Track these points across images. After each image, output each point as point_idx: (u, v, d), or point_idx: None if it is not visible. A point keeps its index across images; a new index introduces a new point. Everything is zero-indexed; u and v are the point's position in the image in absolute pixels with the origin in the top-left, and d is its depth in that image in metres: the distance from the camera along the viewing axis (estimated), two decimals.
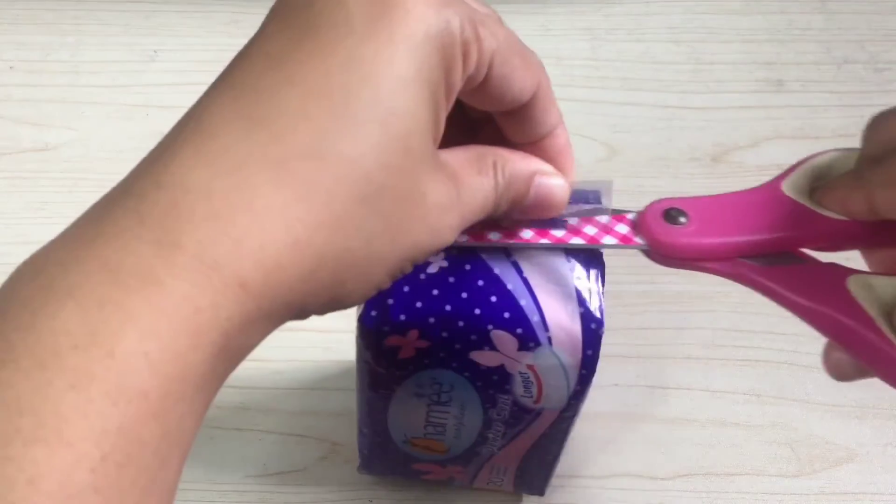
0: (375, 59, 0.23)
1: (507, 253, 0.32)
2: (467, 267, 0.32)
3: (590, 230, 0.32)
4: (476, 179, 0.27)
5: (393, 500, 0.44)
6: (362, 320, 0.32)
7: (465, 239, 0.30)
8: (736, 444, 0.46)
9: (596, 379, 0.47)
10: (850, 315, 0.28)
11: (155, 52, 0.59)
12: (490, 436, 0.37)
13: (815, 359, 0.49)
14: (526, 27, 0.62)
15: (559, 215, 0.30)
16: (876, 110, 0.56)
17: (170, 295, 0.20)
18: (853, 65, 0.60)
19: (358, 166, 0.22)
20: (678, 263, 0.31)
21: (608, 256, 0.33)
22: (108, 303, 0.20)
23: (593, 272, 0.32)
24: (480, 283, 0.32)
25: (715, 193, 0.32)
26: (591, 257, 0.32)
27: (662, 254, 0.31)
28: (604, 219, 0.32)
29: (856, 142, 0.62)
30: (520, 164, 0.29)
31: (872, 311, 0.28)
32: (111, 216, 0.22)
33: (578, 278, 0.32)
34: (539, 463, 0.39)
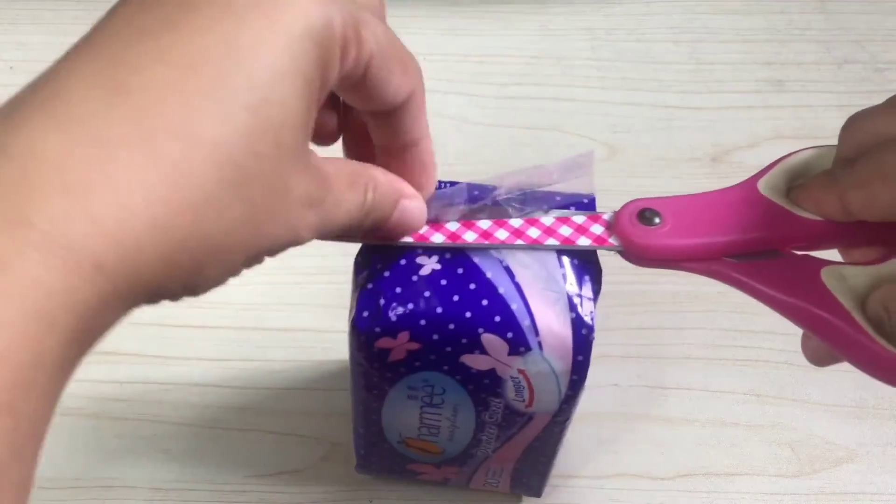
0: (254, 46, 0.22)
1: (500, 257, 0.32)
2: (460, 270, 0.32)
3: (565, 231, 0.32)
4: (346, 192, 0.27)
5: (393, 500, 0.44)
6: (354, 321, 0.32)
7: (410, 240, 0.31)
8: (736, 444, 0.46)
9: (596, 379, 0.47)
10: (825, 307, 0.28)
11: None
12: (484, 438, 0.37)
13: None
14: (526, 27, 0.62)
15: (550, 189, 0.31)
16: None
17: (18, 278, 0.19)
18: (853, 65, 0.60)
19: (226, 151, 0.22)
20: (653, 264, 0.31)
21: (606, 256, 0.33)
22: None
23: (586, 277, 0.32)
24: (472, 286, 0.32)
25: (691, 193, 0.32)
26: (585, 262, 0.32)
27: (636, 255, 0.31)
28: (579, 219, 0.32)
29: None
30: (389, 188, 0.29)
31: (846, 302, 0.28)
32: None
33: (570, 284, 0.32)
34: (534, 465, 0.39)
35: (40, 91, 0.21)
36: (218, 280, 0.24)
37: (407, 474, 0.41)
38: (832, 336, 0.28)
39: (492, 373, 0.33)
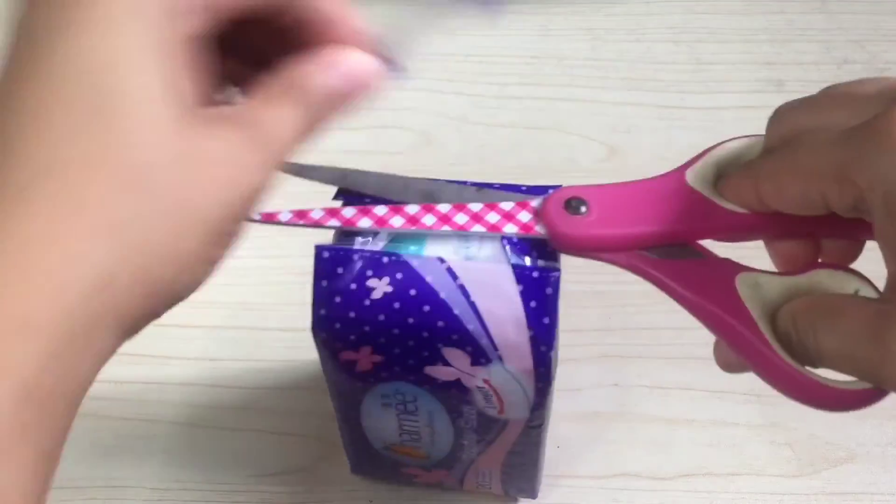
0: (89, 50, 0.22)
1: (454, 275, 0.31)
2: (412, 292, 0.31)
3: (492, 217, 0.31)
4: (274, 109, 0.25)
5: (393, 500, 0.44)
6: (314, 337, 0.32)
7: (258, 218, 0.31)
8: (736, 445, 0.46)
9: (596, 379, 0.47)
10: (734, 313, 0.28)
11: None
12: (465, 443, 0.37)
13: None
14: (526, 27, 0.62)
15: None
16: None
17: None
18: (853, 65, 0.60)
19: (114, 167, 0.22)
20: (578, 253, 0.31)
21: None
22: None
23: (547, 290, 0.31)
24: (426, 308, 0.31)
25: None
26: (543, 273, 0.31)
27: (561, 243, 0.31)
28: (507, 206, 0.31)
29: None
30: (306, 64, 0.26)
31: (755, 311, 0.28)
32: None
33: (527, 299, 0.31)
34: (520, 468, 0.39)
35: None
36: (198, 279, 0.24)
37: (401, 478, 0.41)
38: (737, 344, 0.28)
39: (458, 383, 0.33)
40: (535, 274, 0.31)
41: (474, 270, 0.31)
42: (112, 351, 0.22)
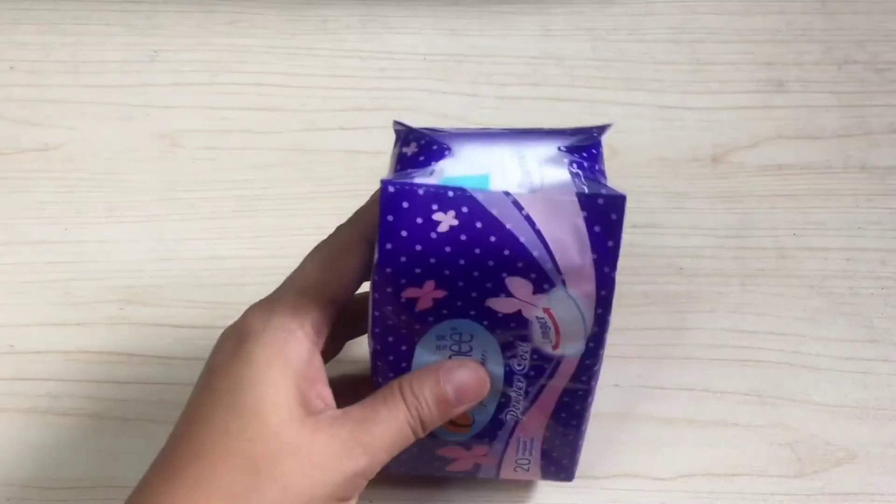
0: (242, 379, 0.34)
1: (519, 207, 0.32)
2: (478, 224, 0.32)
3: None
4: (384, 412, 0.34)
5: (393, 501, 0.44)
6: (378, 274, 0.32)
7: None
8: (736, 445, 0.46)
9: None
10: None
11: (155, 52, 0.59)
12: (512, 395, 0.37)
13: (815, 359, 0.49)
14: (526, 27, 0.62)
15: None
16: (876, 110, 0.57)
17: None
18: (853, 65, 0.60)
19: (241, 457, 0.32)
20: None
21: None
22: None
23: (612, 215, 0.32)
24: (493, 238, 0.32)
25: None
26: (608, 199, 0.32)
27: None
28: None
29: (856, 142, 0.62)
30: (422, 373, 0.35)
31: None
32: None
33: (591, 224, 0.32)
34: (564, 436, 0.39)
35: None
36: None
37: (437, 463, 0.40)
38: None
39: (518, 315, 0.33)
40: (601, 201, 0.32)
41: (540, 201, 0.32)
42: None
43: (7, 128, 0.56)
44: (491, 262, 0.32)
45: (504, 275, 0.32)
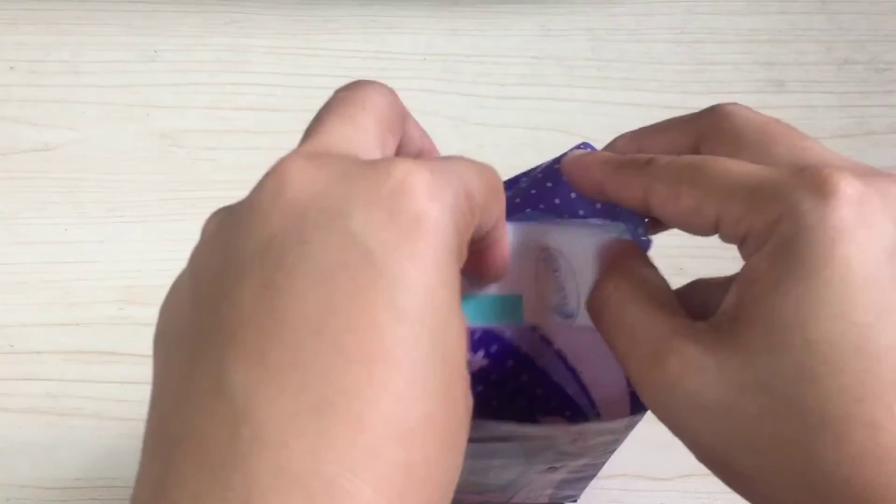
0: (414, 293, 0.20)
1: (548, 341, 0.30)
2: (509, 363, 0.30)
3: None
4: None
5: None
6: None
7: None
8: None
9: None
10: None
11: (155, 52, 0.59)
12: (531, 472, 0.36)
13: None
14: (526, 27, 0.62)
15: None
16: (876, 110, 0.57)
17: None
18: (853, 65, 0.60)
19: (429, 414, 0.20)
20: None
21: None
22: None
23: None
24: (524, 377, 0.30)
25: None
26: None
27: None
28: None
29: (857, 142, 0.61)
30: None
31: None
32: None
33: None
34: (577, 482, 0.39)
35: (238, 437, 0.19)
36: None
37: None
38: None
39: (547, 437, 0.32)
40: None
41: (567, 333, 0.30)
42: None
43: (7, 128, 0.56)
44: (524, 403, 0.30)
45: (538, 414, 0.30)
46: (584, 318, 0.30)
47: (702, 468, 0.41)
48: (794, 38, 0.62)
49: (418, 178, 0.21)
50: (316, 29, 0.61)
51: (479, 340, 0.29)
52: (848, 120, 0.57)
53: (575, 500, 0.42)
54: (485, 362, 0.29)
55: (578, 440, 0.32)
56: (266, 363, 0.19)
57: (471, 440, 0.31)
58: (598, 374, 0.30)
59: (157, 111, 0.57)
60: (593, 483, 0.44)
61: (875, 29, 0.62)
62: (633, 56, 0.61)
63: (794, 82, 0.59)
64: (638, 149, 0.30)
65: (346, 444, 0.19)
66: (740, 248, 0.25)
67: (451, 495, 0.22)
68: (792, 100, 0.59)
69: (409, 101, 0.62)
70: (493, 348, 0.30)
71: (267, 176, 0.22)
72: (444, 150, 0.62)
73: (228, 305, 0.21)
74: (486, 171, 0.25)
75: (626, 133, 0.30)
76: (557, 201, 0.32)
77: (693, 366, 0.23)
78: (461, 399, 0.22)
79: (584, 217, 0.32)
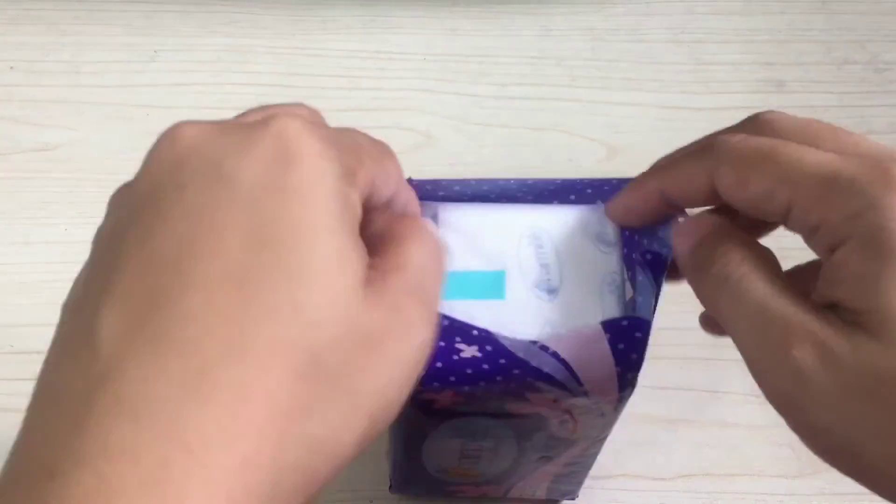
0: (272, 221, 0.21)
1: (546, 349, 0.30)
2: (502, 361, 0.30)
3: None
4: (413, 246, 0.24)
5: (393, 501, 0.44)
6: None
7: None
8: (736, 445, 0.46)
9: None
10: None
11: (155, 52, 0.59)
12: (524, 461, 0.36)
13: None
14: (526, 27, 0.62)
15: None
16: (876, 110, 0.57)
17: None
18: (853, 65, 0.60)
19: (293, 351, 0.20)
20: None
21: None
22: None
23: (636, 334, 0.30)
24: (516, 371, 0.30)
25: None
26: (632, 322, 0.30)
27: None
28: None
29: None
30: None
31: None
32: None
33: (615, 342, 0.30)
34: (572, 475, 0.39)
35: (83, 373, 0.20)
36: (336, 471, 0.23)
37: (443, 494, 0.41)
38: None
39: (537, 414, 0.32)
40: (625, 323, 0.30)
41: (566, 339, 0.30)
42: None
43: (7, 128, 0.56)
44: (513, 386, 0.30)
45: (526, 393, 0.30)
46: (566, 295, 0.30)
47: (702, 468, 0.41)
48: (793, 38, 0.62)
49: (293, 124, 0.22)
50: (316, 29, 0.61)
51: (475, 338, 0.30)
52: (848, 120, 0.57)
53: (574, 498, 0.42)
54: (478, 354, 0.30)
55: (568, 421, 0.33)
56: (128, 305, 0.20)
57: (460, 414, 0.32)
58: (589, 363, 0.30)
59: (157, 111, 0.57)
60: (593, 483, 0.44)
61: (875, 29, 0.62)
62: (633, 56, 0.61)
63: (793, 82, 0.59)
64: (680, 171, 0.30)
65: (179, 370, 0.19)
66: (809, 239, 0.25)
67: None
68: (792, 100, 0.59)
69: (409, 101, 0.62)
70: (488, 347, 0.30)
71: (158, 137, 0.24)
72: (444, 150, 0.62)
73: (111, 257, 0.21)
74: (376, 139, 0.26)
75: (669, 154, 0.30)
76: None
77: (827, 351, 0.23)
78: (330, 326, 0.21)
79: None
